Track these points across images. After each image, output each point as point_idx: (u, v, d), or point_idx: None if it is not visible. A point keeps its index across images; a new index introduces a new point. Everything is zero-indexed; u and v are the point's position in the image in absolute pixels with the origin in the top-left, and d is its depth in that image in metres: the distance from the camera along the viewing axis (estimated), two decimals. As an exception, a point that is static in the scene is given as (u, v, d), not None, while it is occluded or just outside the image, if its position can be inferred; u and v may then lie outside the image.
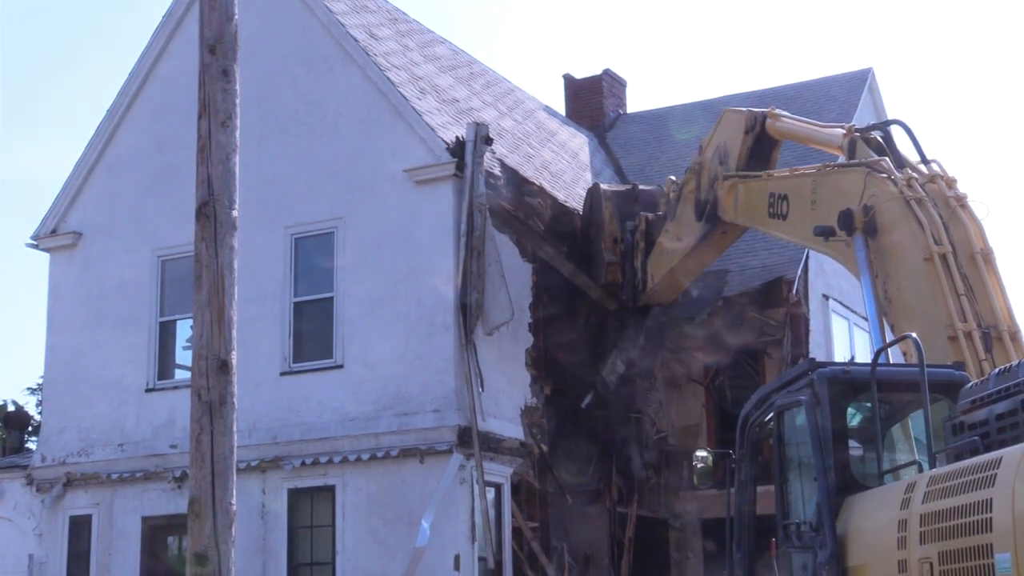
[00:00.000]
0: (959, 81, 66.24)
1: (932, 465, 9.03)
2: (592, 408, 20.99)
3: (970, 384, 9.62)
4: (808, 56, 66.75)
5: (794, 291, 22.23)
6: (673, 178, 20.16)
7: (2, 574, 20.95)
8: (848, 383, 10.02)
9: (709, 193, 18.29)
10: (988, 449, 8.36)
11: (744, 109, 18.09)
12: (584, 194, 22.07)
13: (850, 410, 10.25)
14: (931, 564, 8.14)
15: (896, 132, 15.73)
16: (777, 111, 17.82)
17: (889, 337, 13.97)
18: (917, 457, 10.35)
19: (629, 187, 21.63)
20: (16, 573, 20.65)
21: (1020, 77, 64.80)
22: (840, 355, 23.28)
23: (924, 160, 14.84)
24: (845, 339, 24.31)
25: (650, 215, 20.44)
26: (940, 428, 9.45)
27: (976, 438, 8.59)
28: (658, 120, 29.60)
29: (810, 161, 17.52)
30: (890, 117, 27.99)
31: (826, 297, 23.81)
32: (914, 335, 10.07)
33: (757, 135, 17.70)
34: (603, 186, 21.37)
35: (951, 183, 14.39)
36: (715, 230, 18.58)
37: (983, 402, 8.81)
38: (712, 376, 23.04)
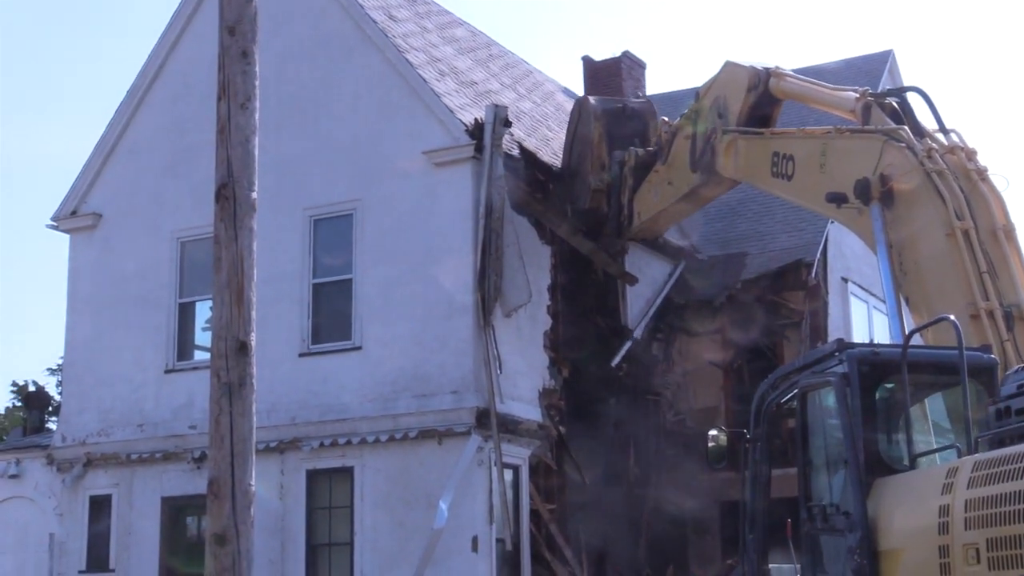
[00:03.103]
0: (982, 64, 65.86)
1: (972, 450, 8.91)
2: (623, 368, 20.90)
3: (1015, 368, 9.51)
4: (828, 38, 66.47)
5: (813, 274, 22.14)
6: (666, 119, 19.76)
7: (24, 553, 21.09)
8: (878, 364, 9.89)
9: (706, 146, 17.81)
10: None
11: (747, 64, 17.46)
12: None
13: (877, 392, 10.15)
14: (978, 550, 8.02)
15: (913, 100, 15.43)
16: (781, 69, 17.26)
17: (906, 311, 13.82)
18: (938, 441, 10.28)
19: (619, 106, 20.85)
20: (37, 552, 20.79)
21: (1042, 59, 64.37)
22: (859, 338, 23.21)
23: (943, 129, 14.45)
24: (864, 323, 24.24)
25: (639, 150, 19.72)
26: (959, 412, 9.38)
27: None
28: (677, 102, 29.43)
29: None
30: (910, 99, 27.87)
31: (845, 280, 23.74)
32: (952, 317, 9.94)
33: (760, 94, 17.19)
34: (592, 100, 20.70)
35: (971, 154, 14.03)
36: (709, 182, 18.16)
37: None
38: (730, 358, 22.99)
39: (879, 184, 14.00)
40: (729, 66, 17.73)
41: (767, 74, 17.15)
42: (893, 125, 14.52)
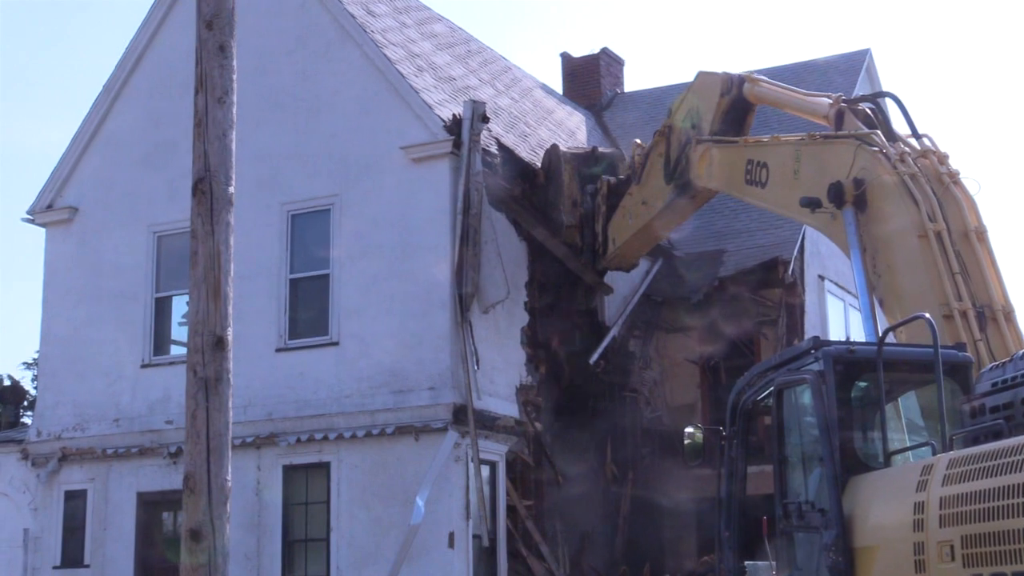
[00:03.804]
0: (959, 62, 66.17)
1: (946, 447, 8.95)
2: (600, 364, 20.92)
3: (989, 366, 9.56)
4: (806, 36, 66.69)
5: (790, 272, 22.21)
6: (639, 141, 19.85)
7: (-3, 548, 21.02)
8: (853, 362, 9.94)
9: (680, 157, 17.90)
10: (1013, 433, 8.29)
11: (720, 71, 17.65)
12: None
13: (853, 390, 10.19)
14: (952, 547, 8.05)
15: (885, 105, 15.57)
16: (756, 75, 17.41)
17: (879, 312, 13.91)
18: (913, 439, 10.33)
19: (589, 150, 21.11)
20: (11, 547, 20.70)
21: (1021, 59, 64.72)
22: (835, 335, 23.29)
23: (915, 134, 14.62)
24: (840, 320, 24.33)
25: (611, 179, 19.98)
26: (934, 409, 9.42)
27: (1001, 421, 8.54)
28: (655, 99, 29.57)
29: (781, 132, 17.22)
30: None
31: (821, 278, 23.82)
32: (927, 315, 10.00)
33: (733, 98, 17.29)
34: (562, 148, 20.81)
35: (943, 159, 14.22)
36: (684, 194, 18.24)
37: (1007, 385, 8.75)
38: (707, 356, 23.04)
39: (852, 188, 14.12)
40: (701, 75, 17.95)
41: (740, 79, 17.30)
42: (866, 130, 14.63)
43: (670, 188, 18.30)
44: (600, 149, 21.11)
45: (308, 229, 19.47)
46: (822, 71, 27.80)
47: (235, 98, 8.40)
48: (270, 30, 20.00)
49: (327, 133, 19.53)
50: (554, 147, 20.80)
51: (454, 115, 18.57)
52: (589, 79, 30.91)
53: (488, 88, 23.43)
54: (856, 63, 27.89)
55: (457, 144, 18.26)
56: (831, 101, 15.60)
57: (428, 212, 18.45)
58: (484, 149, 18.62)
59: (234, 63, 8.43)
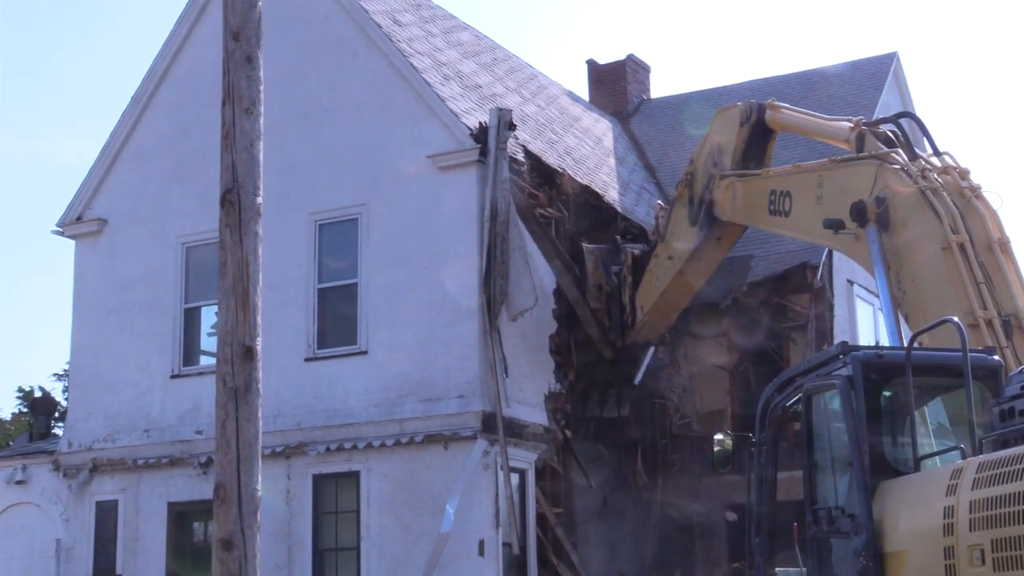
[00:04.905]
0: (986, 65, 65.82)
1: (977, 451, 8.92)
2: (645, 381, 20.80)
3: (1019, 369, 9.54)
4: (833, 41, 66.47)
5: (819, 276, 22.13)
6: (660, 203, 19.94)
7: (30, 558, 21.11)
8: (882, 367, 9.93)
9: (704, 195, 17.89)
10: None
11: (737, 103, 17.76)
12: (607, 180, 21.95)
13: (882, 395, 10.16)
14: (983, 551, 8.03)
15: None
16: (777, 102, 17.49)
17: (904, 327, 13.90)
18: (942, 443, 10.28)
19: (612, 242, 20.80)
20: (44, 558, 20.81)
21: (1047, 61, 64.33)
22: (864, 340, 23.18)
23: (936, 152, 14.74)
24: (870, 325, 24.22)
25: (636, 250, 20.04)
26: (963, 414, 9.38)
27: None
28: (681, 105, 29.51)
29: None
30: (915, 102, 27.90)
31: (851, 282, 23.72)
32: (956, 319, 9.98)
33: (753, 125, 17.28)
34: (584, 244, 20.47)
35: (964, 174, 14.30)
36: (711, 235, 18.15)
37: None
38: (736, 361, 22.97)
39: (874, 206, 14.16)
40: (718, 113, 18.10)
41: (760, 106, 17.34)
42: (887, 150, 14.70)
43: (695, 231, 18.19)
44: (625, 246, 20.75)
45: (336, 239, 19.52)
46: (849, 75, 27.68)
47: (262, 109, 8.42)
48: (296, 41, 20.08)
49: (354, 143, 19.58)
50: (576, 243, 20.49)
51: (480, 123, 18.60)
52: (615, 86, 30.88)
53: (514, 96, 23.45)
54: (883, 67, 27.76)
55: (484, 152, 18.27)
56: (851, 125, 15.65)
57: (455, 220, 18.48)
58: (511, 157, 18.63)
59: (261, 74, 8.44)
